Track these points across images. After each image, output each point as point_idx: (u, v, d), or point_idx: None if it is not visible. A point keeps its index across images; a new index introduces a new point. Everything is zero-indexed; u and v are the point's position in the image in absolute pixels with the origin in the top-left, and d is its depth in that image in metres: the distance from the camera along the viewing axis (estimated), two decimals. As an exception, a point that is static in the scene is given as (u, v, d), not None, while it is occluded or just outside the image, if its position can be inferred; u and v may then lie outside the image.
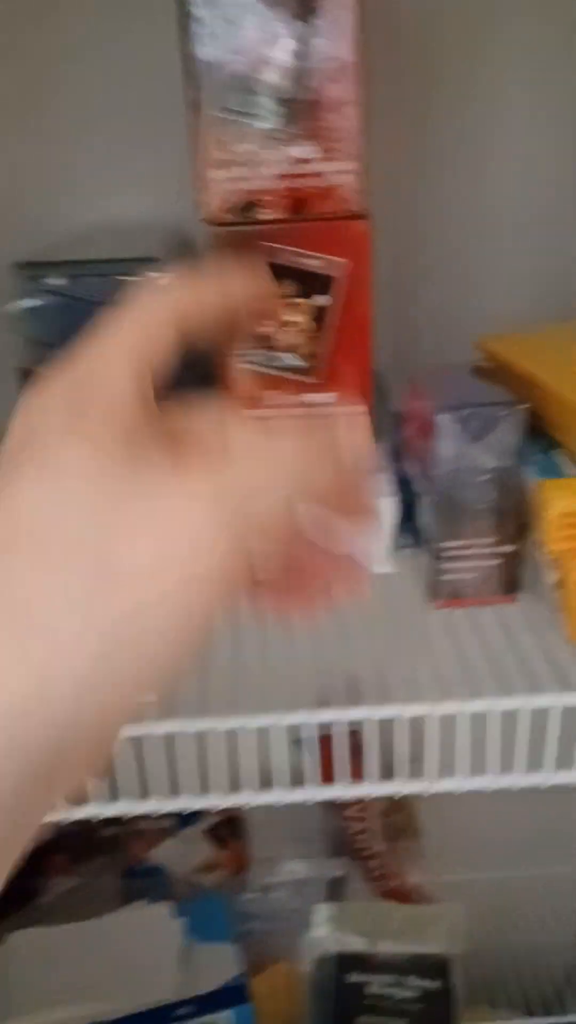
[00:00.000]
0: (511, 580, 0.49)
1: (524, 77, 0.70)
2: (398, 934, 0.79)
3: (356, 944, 0.79)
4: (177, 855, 0.93)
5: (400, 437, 0.62)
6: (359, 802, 0.88)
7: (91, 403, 0.24)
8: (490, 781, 0.47)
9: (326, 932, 0.80)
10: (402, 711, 0.45)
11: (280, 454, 0.24)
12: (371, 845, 0.88)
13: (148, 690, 0.23)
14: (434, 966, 0.76)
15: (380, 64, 0.64)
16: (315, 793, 0.48)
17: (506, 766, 0.46)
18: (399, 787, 0.48)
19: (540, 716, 0.44)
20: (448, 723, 0.45)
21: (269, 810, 0.50)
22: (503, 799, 0.47)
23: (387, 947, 0.78)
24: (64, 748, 0.21)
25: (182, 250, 0.69)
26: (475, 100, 0.71)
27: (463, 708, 0.44)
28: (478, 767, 0.46)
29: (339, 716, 0.47)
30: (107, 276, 0.62)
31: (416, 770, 0.48)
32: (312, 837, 0.91)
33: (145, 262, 0.63)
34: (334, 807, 0.89)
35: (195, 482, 0.23)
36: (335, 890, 0.89)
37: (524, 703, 0.44)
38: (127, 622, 0.21)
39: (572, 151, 0.72)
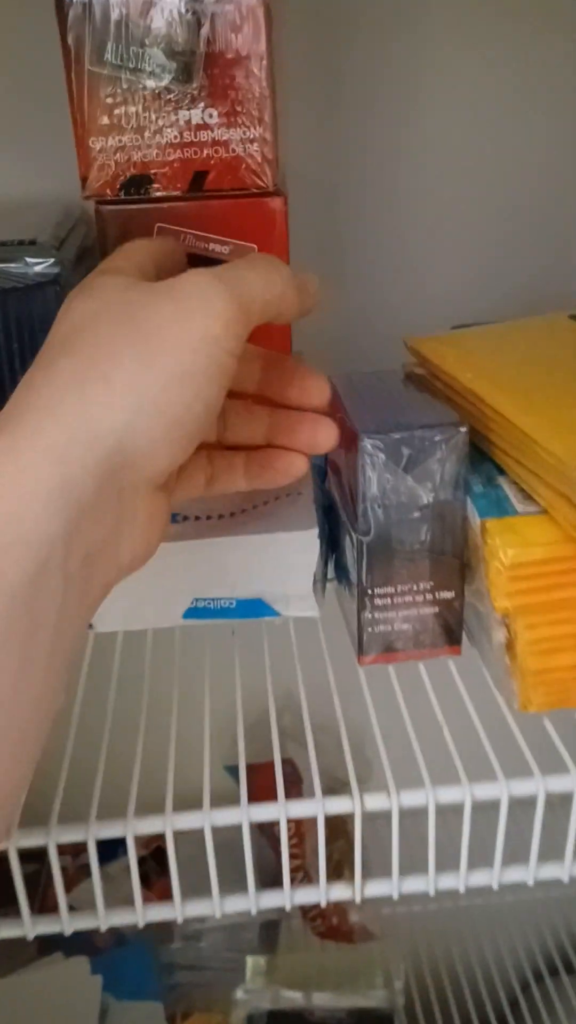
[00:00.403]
0: (452, 629, 0.41)
1: (457, 37, 0.62)
2: (336, 985, 0.73)
3: (291, 999, 0.72)
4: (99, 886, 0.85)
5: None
6: (295, 834, 0.81)
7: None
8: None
9: (258, 986, 0.73)
10: (387, 802, 0.38)
11: (263, 261, 0.33)
12: (306, 880, 0.81)
13: (178, 437, 0.29)
14: (375, 1022, 0.70)
15: (291, 16, 0.55)
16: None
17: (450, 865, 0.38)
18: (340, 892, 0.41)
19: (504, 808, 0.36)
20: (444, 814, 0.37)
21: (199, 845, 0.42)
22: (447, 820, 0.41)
23: (324, 1000, 0.71)
24: (115, 473, 0.27)
25: (71, 230, 0.59)
26: (401, 63, 0.62)
27: (411, 801, 0.36)
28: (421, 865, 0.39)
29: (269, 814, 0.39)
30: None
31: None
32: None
33: (24, 245, 0.53)
34: (266, 837, 0.82)
35: (200, 272, 0.31)
36: (269, 933, 0.82)
37: (481, 792, 0.36)
38: (160, 368, 0.28)
39: (508, 121, 0.64)
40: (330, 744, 0.45)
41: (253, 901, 0.42)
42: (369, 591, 0.40)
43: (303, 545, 0.44)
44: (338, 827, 0.84)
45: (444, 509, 0.39)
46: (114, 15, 0.45)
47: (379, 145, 0.64)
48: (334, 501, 0.47)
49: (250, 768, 0.80)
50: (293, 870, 0.82)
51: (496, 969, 0.90)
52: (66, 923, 0.41)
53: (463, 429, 0.37)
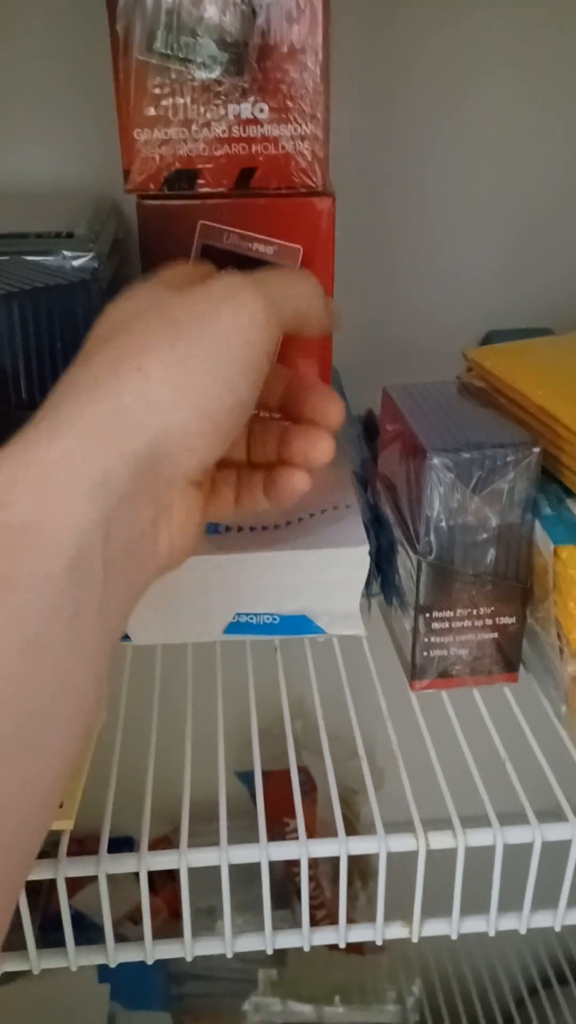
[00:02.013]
0: (510, 656, 0.40)
1: (499, 35, 0.60)
2: (346, 999, 0.71)
3: (302, 1012, 0.71)
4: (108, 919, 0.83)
5: (369, 457, 0.52)
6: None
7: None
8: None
9: (268, 999, 0.72)
10: (381, 845, 0.36)
11: (294, 272, 0.36)
12: (319, 893, 0.80)
13: (209, 417, 0.29)
14: (390, 1039, 0.68)
15: (348, 10, 0.53)
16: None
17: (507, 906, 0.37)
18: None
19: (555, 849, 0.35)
20: (435, 858, 0.35)
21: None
22: (441, 857, 0.39)
23: (335, 1016, 0.70)
24: (152, 466, 0.27)
25: (109, 222, 0.57)
26: (444, 60, 0.60)
27: (457, 842, 0.34)
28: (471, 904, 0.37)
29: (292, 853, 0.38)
30: (12, 255, 0.50)
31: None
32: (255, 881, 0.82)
33: (61, 238, 0.51)
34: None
35: (232, 275, 0.32)
36: (279, 943, 0.80)
37: (537, 835, 0.34)
38: (194, 362, 0.28)
39: (557, 130, 0.63)
40: (340, 752, 0.43)
41: (268, 941, 0.40)
42: (427, 614, 0.39)
43: (354, 562, 0.42)
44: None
45: (511, 532, 0.37)
46: (166, 3, 0.43)
47: (416, 144, 0.62)
48: (381, 516, 0.45)
49: (263, 775, 0.79)
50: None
51: (506, 978, 0.89)
52: (72, 959, 0.39)
53: (536, 450, 0.36)
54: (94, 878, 0.40)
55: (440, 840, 0.35)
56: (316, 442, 0.35)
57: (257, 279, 0.31)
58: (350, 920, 0.41)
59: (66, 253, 0.50)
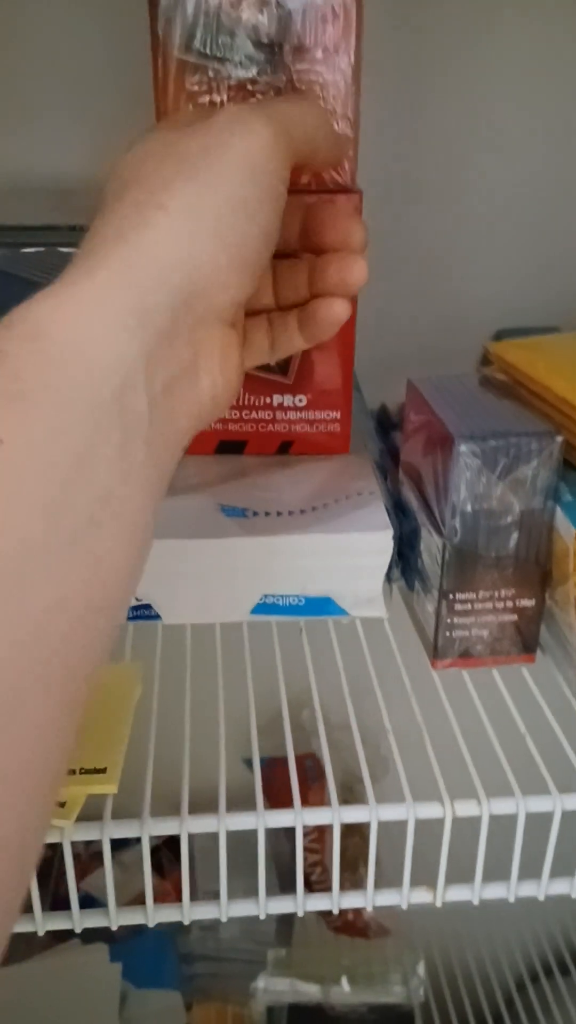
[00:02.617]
0: (528, 637, 0.42)
1: (536, 44, 0.61)
2: (353, 980, 0.73)
3: (310, 992, 0.72)
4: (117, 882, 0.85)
5: (390, 448, 0.54)
6: (314, 830, 0.81)
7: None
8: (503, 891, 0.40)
9: (277, 979, 0.73)
10: (407, 812, 0.37)
11: (301, 100, 0.36)
12: (325, 877, 0.81)
13: (237, 262, 0.29)
14: (397, 1019, 0.70)
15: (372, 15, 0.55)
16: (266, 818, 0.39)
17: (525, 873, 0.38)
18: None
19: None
20: (459, 826, 0.37)
21: (214, 838, 0.42)
22: (462, 827, 0.40)
23: (342, 996, 0.72)
24: (187, 303, 0.28)
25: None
26: (478, 64, 0.62)
27: (481, 810, 0.36)
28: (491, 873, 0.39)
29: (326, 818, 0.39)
30: (48, 247, 0.51)
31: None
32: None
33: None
34: (283, 829, 0.82)
35: (236, 104, 0.33)
36: (285, 926, 0.82)
37: (558, 804, 0.36)
38: (212, 193, 0.29)
39: (571, 139, 0.64)
40: (346, 741, 0.45)
41: (262, 906, 0.41)
42: (451, 595, 0.40)
43: (378, 546, 0.44)
44: (353, 824, 0.84)
45: (533, 518, 0.39)
46: (206, 5, 0.45)
47: (437, 150, 0.64)
48: (404, 504, 0.47)
49: (272, 761, 0.80)
50: (312, 865, 0.82)
51: (507, 963, 0.91)
52: (77, 921, 0.41)
53: (559, 439, 0.37)
54: (101, 863, 0.41)
55: (465, 808, 0.36)
56: (351, 265, 0.35)
57: (263, 105, 0.32)
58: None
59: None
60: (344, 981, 0.74)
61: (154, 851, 0.96)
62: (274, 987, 0.73)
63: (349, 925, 0.83)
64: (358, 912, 0.85)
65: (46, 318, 0.25)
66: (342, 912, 0.86)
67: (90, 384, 0.25)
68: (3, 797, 0.21)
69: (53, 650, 0.23)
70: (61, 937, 0.80)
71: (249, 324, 0.36)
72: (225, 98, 0.47)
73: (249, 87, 0.46)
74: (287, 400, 0.50)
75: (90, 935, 0.80)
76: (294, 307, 0.37)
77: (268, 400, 0.50)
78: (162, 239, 0.28)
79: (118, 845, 0.41)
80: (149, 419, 0.26)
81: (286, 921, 0.83)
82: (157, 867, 0.92)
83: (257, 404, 0.50)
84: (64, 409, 0.24)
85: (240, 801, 0.41)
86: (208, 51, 0.46)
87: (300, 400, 0.50)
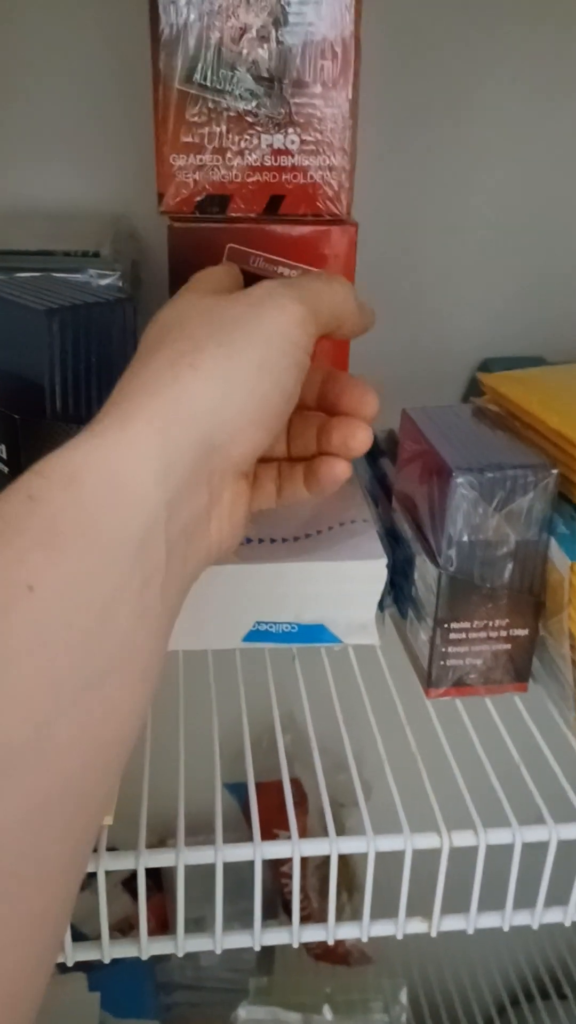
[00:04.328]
0: (521, 666, 0.42)
1: (524, 87, 0.63)
2: (335, 1008, 0.73)
3: (291, 1020, 0.72)
4: (90, 911, 0.83)
5: (382, 476, 0.54)
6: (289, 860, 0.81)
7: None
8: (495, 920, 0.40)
9: (258, 1008, 0.72)
10: (405, 843, 0.37)
11: (326, 274, 0.37)
12: (307, 904, 0.81)
13: (259, 417, 0.31)
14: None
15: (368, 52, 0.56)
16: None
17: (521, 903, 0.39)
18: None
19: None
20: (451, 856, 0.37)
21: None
22: (453, 855, 0.40)
23: (325, 1024, 0.71)
24: (207, 456, 0.30)
25: (128, 244, 0.59)
26: (470, 107, 0.63)
27: (478, 840, 0.36)
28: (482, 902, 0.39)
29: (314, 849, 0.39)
30: (42, 272, 0.51)
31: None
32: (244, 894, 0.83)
33: (88, 256, 0.53)
34: (268, 862, 0.81)
35: (271, 280, 0.34)
36: (267, 954, 0.81)
37: (553, 834, 0.36)
38: (241, 358, 0.31)
39: (567, 164, 0.66)
40: (328, 766, 0.45)
41: (256, 938, 0.41)
42: (446, 624, 0.41)
43: (372, 574, 0.44)
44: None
45: (528, 549, 0.39)
46: (207, 39, 0.45)
47: (426, 185, 0.65)
48: (397, 532, 0.47)
49: (256, 786, 0.79)
50: (291, 892, 0.81)
51: (489, 990, 0.91)
52: (69, 955, 0.40)
53: (555, 471, 0.38)
54: (84, 888, 0.41)
55: (462, 838, 0.36)
56: (355, 431, 0.36)
57: (294, 283, 0.34)
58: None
59: (92, 272, 0.52)
60: (326, 1009, 0.73)
61: (131, 877, 0.95)
62: (255, 1016, 0.72)
63: (331, 952, 0.83)
64: (339, 940, 0.84)
65: (80, 466, 0.27)
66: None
67: (119, 532, 0.26)
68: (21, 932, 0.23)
69: (71, 786, 0.24)
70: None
71: (261, 470, 0.38)
72: (224, 129, 0.47)
73: (249, 119, 0.47)
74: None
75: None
76: (303, 460, 0.39)
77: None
78: (190, 397, 0.29)
79: (92, 873, 0.41)
80: (166, 565, 0.28)
81: (267, 949, 0.82)
82: (134, 893, 0.92)
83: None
84: (94, 556, 0.26)
85: (225, 827, 0.40)
86: (208, 83, 0.46)
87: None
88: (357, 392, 0.38)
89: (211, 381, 0.30)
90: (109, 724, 0.25)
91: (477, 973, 0.90)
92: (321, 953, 0.83)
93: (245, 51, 0.46)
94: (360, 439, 0.36)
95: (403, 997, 0.74)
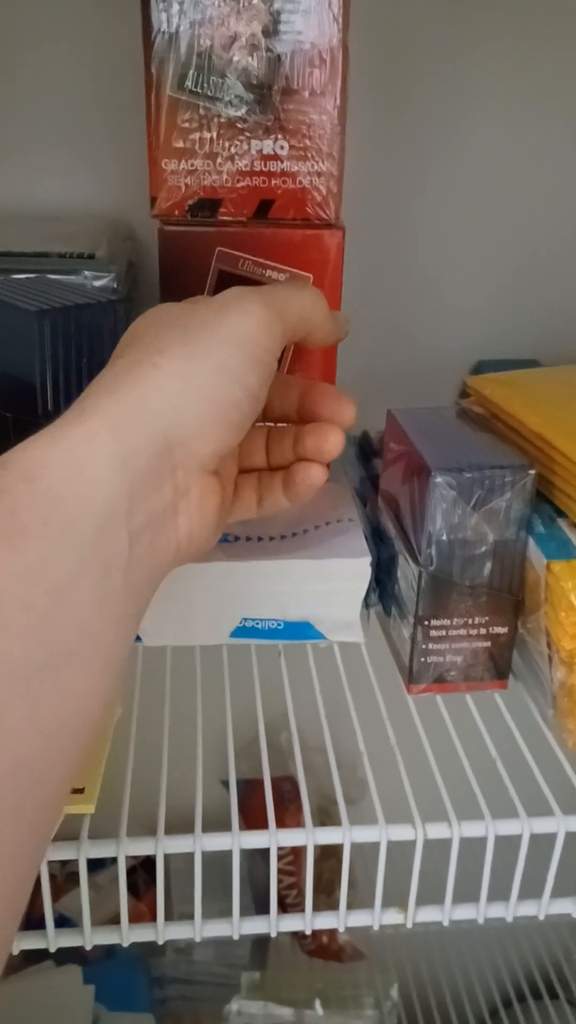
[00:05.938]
0: (501, 664, 0.43)
1: (513, 92, 0.63)
2: (327, 1003, 0.73)
3: (283, 1015, 0.72)
4: (93, 903, 0.84)
5: (365, 476, 0.55)
6: (291, 852, 0.82)
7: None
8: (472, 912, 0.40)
9: (251, 1002, 0.73)
10: (380, 834, 0.38)
11: (300, 287, 0.37)
12: (300, 900, 0.82)
13: (218, 419, 0.32)
14: (368, 1043, 0.70)
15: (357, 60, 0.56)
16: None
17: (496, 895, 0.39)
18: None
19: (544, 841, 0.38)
20: (431, 848, 0.38)
21: (188, 859, 0.42)
22: (435, 849, 0.41)
23: (316, 1020, 0.72)
24: (168, 449, 0.30)
25: (124, 245, 0.60)
26: (459, 112, 0.64)
27: (452, 833, 0.37)
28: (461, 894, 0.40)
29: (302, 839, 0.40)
30: (37, 273, 0.52)
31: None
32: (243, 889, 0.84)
33: (83, 258, 0.54)
34: (260, 852, 0.82)
35: (238, 287, 0.35)
36: (260, 949, 0.82)
37: (526, 827, 0.37)
38: (203, 358, 0.32)
39: (556, 167, 0.66)
40: (322, 764, 0.46)
41: (235, 926, 0.42)
42: (426, 622, 0.41)
43: (356, 572, 0.45)
44: (330, 847, 0.85)
45: (506, 547, 0.40)
46: (198, 46, 0.46)
47: (417, 186, 0.66)
48: (382, 531, 0.48)
49: (251, 783, 0.80)
50: (288, 887, 0.82)
51: (481, 989, 0.91)
52: (51, 940, 0.41)
53: (532, 472, 0.39)
54: (76, 883, 0.42)
55: (436, 830, 0.37)
56: (327, 435, 0.38)
57: (263, 289, 0.35)
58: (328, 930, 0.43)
59: (87, 273, 0.53)
60: (318, 1004, 0.74)
61: (130, 872, 0.96)
62: (247, 1010, 0.73)
63: (323, 948, 0.84)
64: (332, 935, 0.85)
65: (39, 459, 0.28)
66: (316, 935, 0.86)
67: (76, 518, 0.27)
68: None
69: (23, 768, 0.25)
70: (34, 959, 0.80)
71: (241, 481, 0.39)
72: (215, 135, 0.48)
73: (239, 125, 0.48)
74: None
75: (63, 957, 0.79)
76: (282, 469, 0.40)
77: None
78: (149, 393, 0.31)
79: (94, 866, 0.41)
80: (129, 552, 0.29)
81: (260, 944, 0.83)
82: (133, 888, 0.92)
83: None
84: (50, 541, 0.27)
85: (217, 822, 0.41)
86: (200, 90, 0.47)
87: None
88: (335, 401, 0.39)
89: (170, 379, 0.31)
90: (65, 708, 0.26)
91: (470, 973, 0.91)
92: (314, 949, 0.83)
93: (235, 59, 0.47)
94: (332, 442, 0.37)
95: (394, 993, 0.75)
